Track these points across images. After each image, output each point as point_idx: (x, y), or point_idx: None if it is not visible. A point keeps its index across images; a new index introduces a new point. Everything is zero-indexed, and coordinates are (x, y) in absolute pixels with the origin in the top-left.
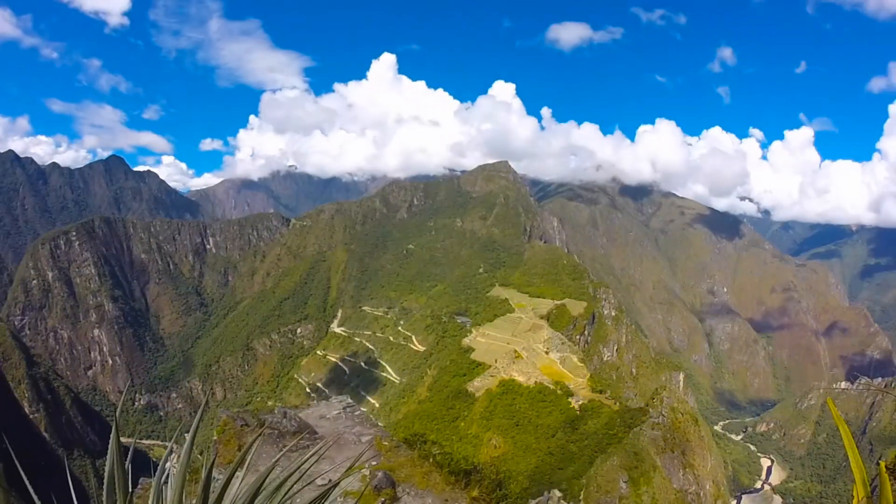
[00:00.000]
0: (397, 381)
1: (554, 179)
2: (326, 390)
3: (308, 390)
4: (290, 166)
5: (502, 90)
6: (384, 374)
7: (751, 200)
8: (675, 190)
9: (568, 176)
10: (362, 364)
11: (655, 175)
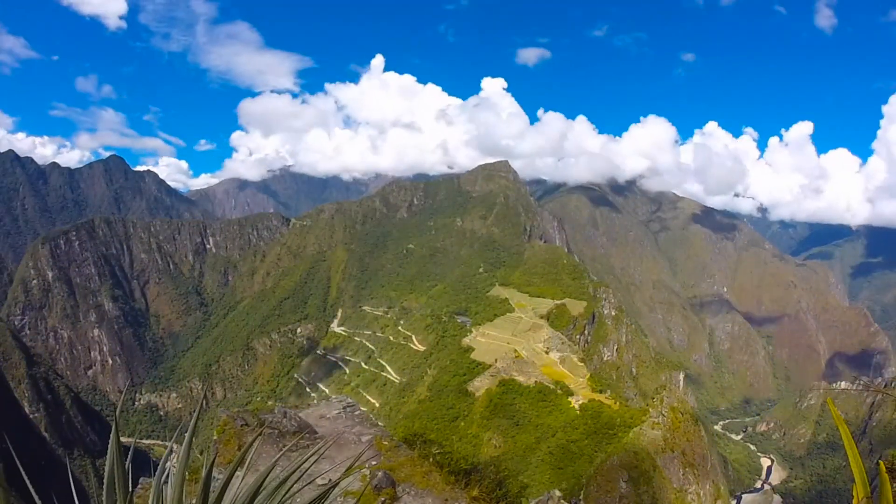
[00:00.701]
0: (397, 381)
1: (552, 179)
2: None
3: (308, 390)
4: (286, 166)
5: (492, 86)
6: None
7: (752, 199)
8: (674, 189)
9: (567, 175)
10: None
11: (653, 174)
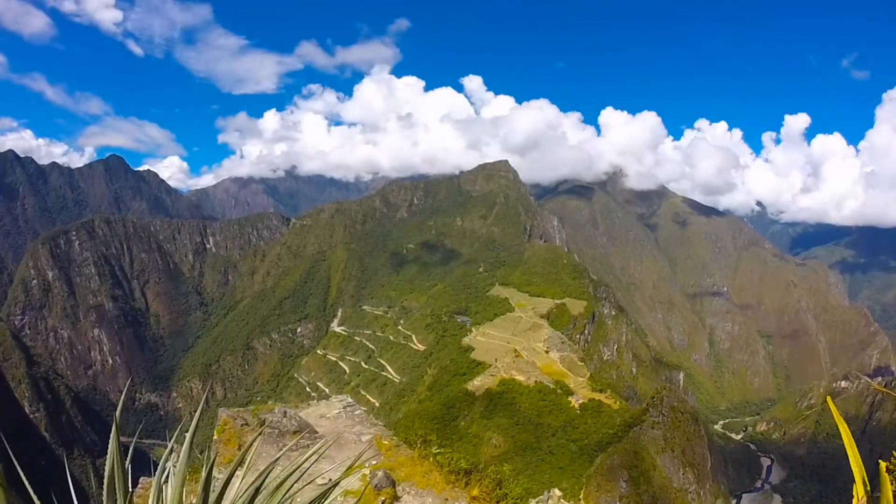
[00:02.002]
0: (397, 381)
1: (553, 178)
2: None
3: (308, 389)
4: (285, 166)
5: (472, 83)
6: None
7: (751, 198)
8: (674, 188)
9: (567, 175)
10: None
11: (652, 173)
